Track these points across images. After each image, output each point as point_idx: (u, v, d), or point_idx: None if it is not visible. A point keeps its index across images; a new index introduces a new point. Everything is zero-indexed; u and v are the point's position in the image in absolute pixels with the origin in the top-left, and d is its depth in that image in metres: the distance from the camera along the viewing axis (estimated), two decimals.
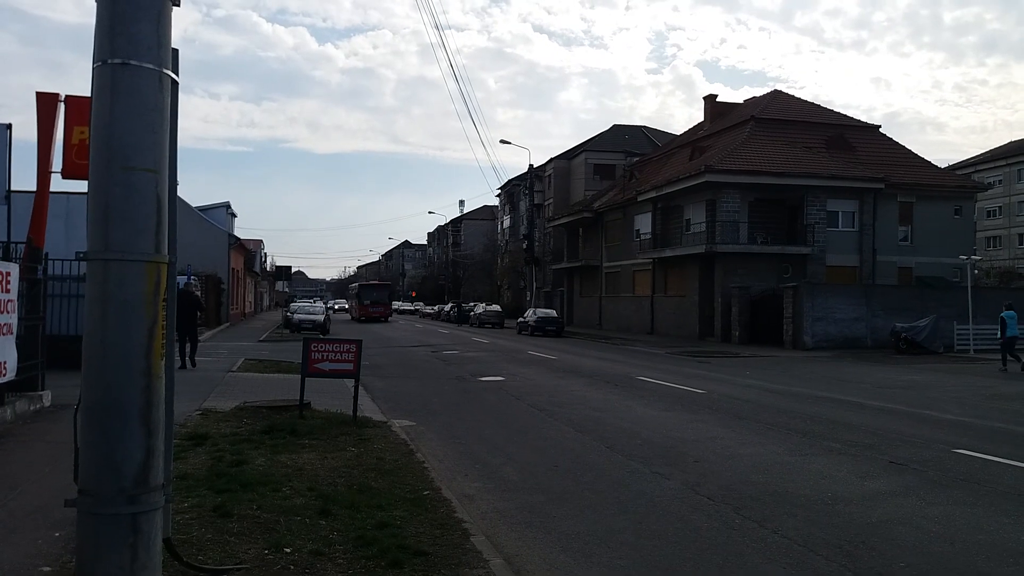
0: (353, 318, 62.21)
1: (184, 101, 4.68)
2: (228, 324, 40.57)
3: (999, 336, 21.64)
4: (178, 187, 4.71)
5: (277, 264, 76.44)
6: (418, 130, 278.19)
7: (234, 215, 50.88)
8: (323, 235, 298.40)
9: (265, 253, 79.40)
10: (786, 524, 6.25)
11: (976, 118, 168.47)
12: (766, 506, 6.80)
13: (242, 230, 59.17)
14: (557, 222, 56.08)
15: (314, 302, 53.72)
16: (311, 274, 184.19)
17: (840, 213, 35.91)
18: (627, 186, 46.71)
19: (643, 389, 16.01)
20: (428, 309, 77.19)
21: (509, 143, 57.19)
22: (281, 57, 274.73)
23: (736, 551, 5.65)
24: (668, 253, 37.86)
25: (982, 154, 73.00)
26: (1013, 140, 72.83)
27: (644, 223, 42.01)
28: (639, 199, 41.35)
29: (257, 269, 65.72)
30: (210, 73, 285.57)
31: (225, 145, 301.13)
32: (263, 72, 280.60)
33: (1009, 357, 20.99)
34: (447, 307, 66.04)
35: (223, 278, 40.35)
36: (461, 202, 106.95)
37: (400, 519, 5.79)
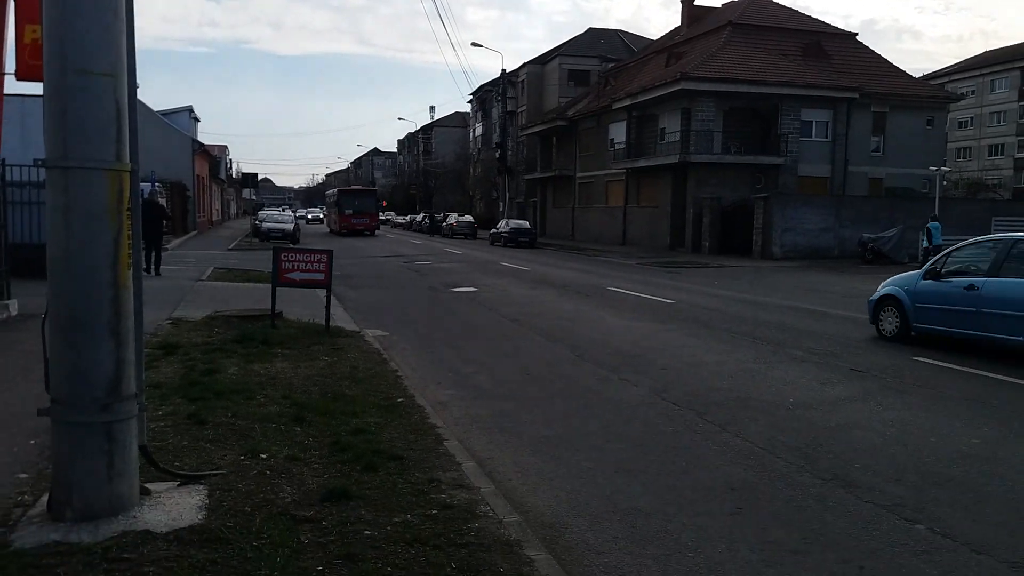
0: (332, 231, 52.82)
1: None
2: (195, 232, 39.99)
3: (925, 244, 23.52)
4: (138, 91, 4.54)
5: (243, 171, 74.14)
6: (386, 30, 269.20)
7: (197, 120, 49.38)
8: (289, 141, 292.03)
9: (230, 159, 77.74)
10: (748, 428, 6.48)
11: (953, 26, 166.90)
12: (729, 411, 7.03)
13: (206, 135, 57.15)
14: (530, 131, 55.26)
15: (283, 210, 53.01)
16: (278, 181, 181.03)
17: (814, 123, 35.79)
18: (602, 93, 45.93)
19: (613, 299, 16.21)
20: (400, 219, 76.43)
21: (481, 46, 55.86)
22: None
23: (699, 453, 5.86)
24: (642, 163, 37.66)
25: (957, 64, 72.66)
26: (988, 50, 72.49)
27: (619, 132, 41.56)
28: (614, 107, 40.77)
29: (223, 176, 64.39)
30: None
31: (186, 46, 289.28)
32: None
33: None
34: (419, 217, 65.25)
35: (188, 185, 39.50)
36: (432, 108, 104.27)
37: (374, 425, 5.90)
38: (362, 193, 54.63)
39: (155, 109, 40.66)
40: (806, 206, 30.61)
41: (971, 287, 9.73)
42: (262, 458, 5.05)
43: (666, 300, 15.78)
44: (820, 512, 4.75)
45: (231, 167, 77.30)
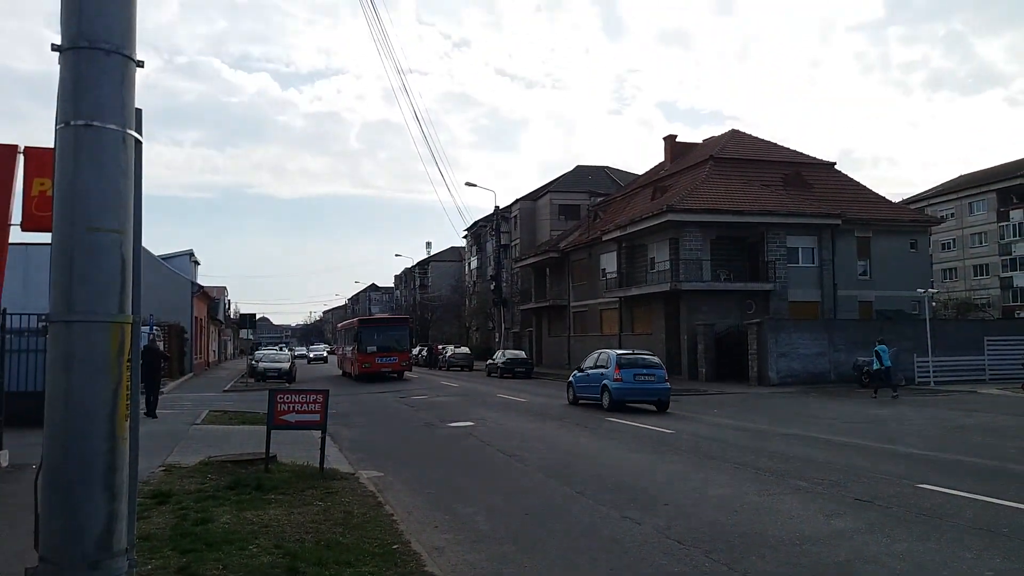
0: (347, 374, 40.63)
1: (146, 148, 4.69)
2: (192, 374, 39.86)
3: (877, 366, 24.31)
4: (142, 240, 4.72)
5: (241, 311, 74.60)
6: (383, 173, 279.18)
7: (197, 263, 50.37)
8: (288, 281, 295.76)
9: (229, 300, 78.56)
10: (755, 566, 6.30)
11: (928, 152, 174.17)
12: (736, 548, 6.85)
13: (205, 278, 57.57)
14: (524, 263, 56.41)
15: (280, 349, 53.06)
16: (276, 320, 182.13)
17: (800, 249, 36.66)
18: (592, 226, 47.26)
19: (613, 430, 16.04)
20: None
21: (475, 185, 57.41)
22: (244, 103, 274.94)
23: None
24: (634, 292, 38.24)
25: (934, 188, 75.39)
26: (964, 174, 75.40)
27: (609, 262, 42.45)
28: (604, 239, 41.83)
29: (221, 317, 64.90)
30: (172, 120, 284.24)
31: (188, 191, 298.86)
32: (226, 118, 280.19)
33: (883, 386, 23.79)
34: (415, 350, 65.08)
35: (186, 327, 39.75)
36: (428, 244, 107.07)
37: (369, 575, 5.73)
38: (391, 324, 40.38)
39: (156, 253, 41.57)
40: (799, 331, 30.84)
41: (585, 374, 21.84)
42: None
43: (666, 430, 15.63)
44: None
45: (229, 308, 78.05)
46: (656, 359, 21.50)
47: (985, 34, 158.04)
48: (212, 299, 55.78)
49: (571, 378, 22.83)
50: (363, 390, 30.16)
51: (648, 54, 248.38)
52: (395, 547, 6.54)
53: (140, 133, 4.48)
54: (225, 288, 72.54)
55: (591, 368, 21.55)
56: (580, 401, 21.93)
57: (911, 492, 9.14)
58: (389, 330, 38.27)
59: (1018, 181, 63.61)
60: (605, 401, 20.34)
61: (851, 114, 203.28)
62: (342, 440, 14.27)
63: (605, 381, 20.39)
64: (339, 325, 60.21)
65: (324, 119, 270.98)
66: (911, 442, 13.55)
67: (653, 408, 20.04)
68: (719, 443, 13.72)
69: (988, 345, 29.63)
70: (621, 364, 20.19)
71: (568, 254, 48.72)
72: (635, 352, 22.04)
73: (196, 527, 6.94)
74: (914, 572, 6.08)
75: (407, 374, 38.26)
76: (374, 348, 36.22)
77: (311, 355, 75.34)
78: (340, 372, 44.16)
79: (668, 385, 20.39)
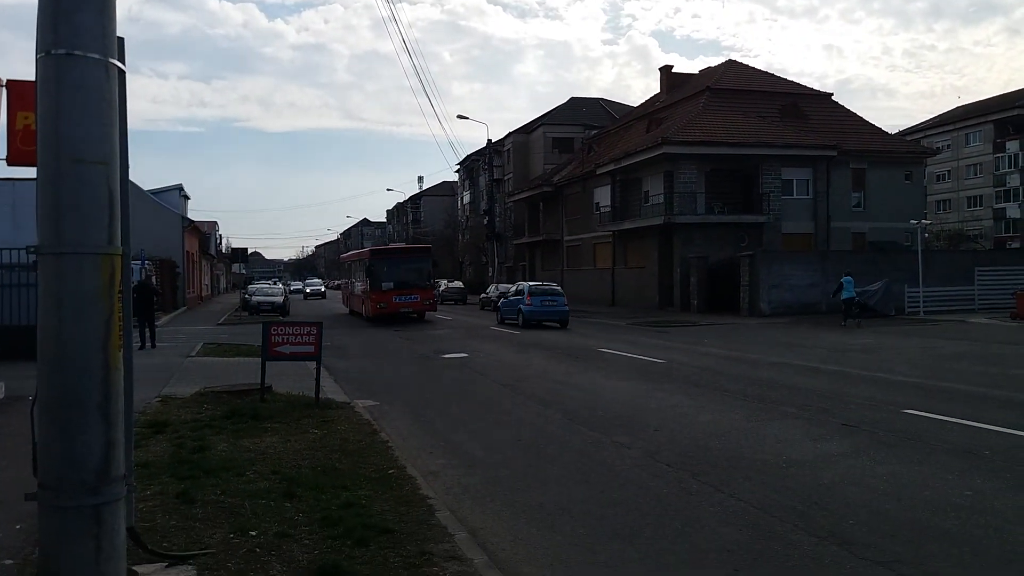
0: (355, 313, 35.25)
1: (131, 81, 4.59)
2: (185, 308, 39.94)
3: (833, 295, 25.73)
4: (129, 172, 4.66)
5: (233, 246, 74.13)
6: (374, 106, 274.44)
7: (187, 197, 49.86)
8: (279, 215, 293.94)
9: (220, 235, 78.12)
10: (742, 488, 6.46)
11: (925, 83, 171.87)
12: (723, 471, 7.01)
13: (196, 212, 56.91)
14: (517, 197, 56.06)
15: (273, 283, 53.11)
16: (268, 255, 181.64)
17: (795, 181, 36.48)
18: (586, 159, 46.82)
19: (605, 361, 16.23)
20: None
21: (467, 118, 56.19)
22: (230, 35, 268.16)
23: (694, 516, 5.83)
24: (628, 225, 38.15)
25: (931, 119, 74.62)
26: (960, 104, 74.64)
27: (603, 196, 42.22)
28: (598, 172, 41.50)
29: (213, 252, 64.66)
30: (157, 52, 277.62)
31: (176, 126, 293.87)
32: (212, 50, 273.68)
33: (850, 317, 24.70)
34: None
35: (178, 262, 39.64)
36: (420, 178, 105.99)
37: (365, 498, 5.86)
38: (410, 255, 33.66)
39: (145, 188, 41.10)
40: (791, 262, 30.94)
41: (508, 301, 28.17)
42: (252, 535, 5.00)
43: (657, 360, 15.81)
44: (817, 571, 4.73)
45: (221, 242, 77.69)
46: (559, 288, 28.58)
47: None
48: (203, 234, 55.46)
49: (499, 303, 30.04)
50: (362, 325, 30.32)
51: None
52: (391, 472, 6.68)
53: (123, 63, 4.38)
54: (216, 223, 72.02)
55: (513, 296, 28.47)
56: (505, 321, 28.03)
57: (896, 417, 9.33)
58: (408, 262, 31.52)
59: (1016, 112, 62.94)
60: (520, 320, 26.46)
61: (850, 44, 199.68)
62: (337, 372, 14.42)
63: (520, 306, 26.74)
64: (344, 256, 49.02)
65: (312, 51, 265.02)
66: (898, 370, 13.75)
67: (556, 326, 25.90)
68: (709, 372, 13.91)
69: (978, 275, 29.81)
70: (532, 292, 27.01)
71: (562, 188, 48.40)
72: (543, 284, 29.82)
73: (193, 455, 7.06)
74: (897, 492, 6.25)
75: (430, 314, 31.95)
76: (391, 285, 29.92)
77: (307, 290, 70.48)
78: (347, 311, 37.72)
79: (567, 308, 26.75)
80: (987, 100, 70.15)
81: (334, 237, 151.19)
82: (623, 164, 38.48)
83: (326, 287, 76.54)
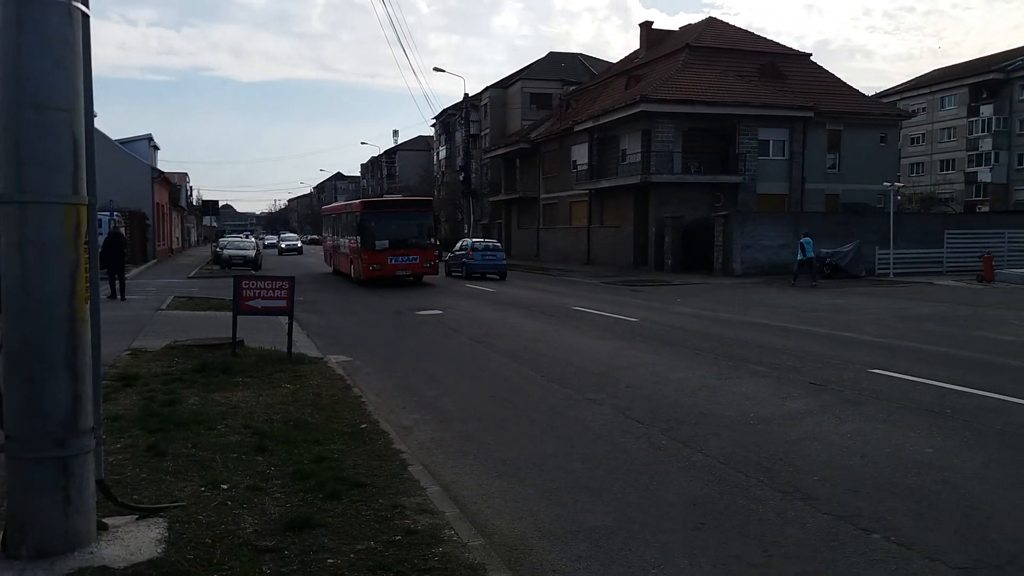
0: (340, 273, 31.36)
1: (98, 27, 4.39)
2: (155, 261, 39.42)
3: (800, 257, 25.82)
4: (95, 120, 4.53)
5: (204, 198, 72.67)
6: (348, 56, 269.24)
7: (157, 148, 48.86)
8: (252, 167, 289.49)
9: (191, 187, 76.84)
10: (710, 444, 6.58)
11: (903, 45, 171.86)
12: (692, 427, 7.13)
13: (166, 163, 56.06)
14: (494, 153, 55.58)
15: (246, 237, 52.48)
16: (240, 208, 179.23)
17: (771, 142, 36.54)
18: (564, 116, 46.43)
19: (579, 319, 16.33)
20: None
21: (443, 71, 55.36)
22: None
23: (662, 470, 5.94)
24: (604, 184, 38.06)
25: (907, 82, 74.80)
26: (937, 68, 74.80)
27: (581, 154, 41.99)
28: (576, 129, 41.21)
29: (183, 204, 63.64)
30: None
31: (145, 74, 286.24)
32: None
33: (800, 276, 25.48)
34: None
35: (148, 213, 38.99)
36: (395, 132, 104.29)
37: (338, 452, 5.89)
38: (407, 209, 28.40)
39: (113, 138, 40.19)
40: (765, 223, 31.16)
41: (454, 255, 32.44)
42: (223, 489, 5.01)
43: (630, 319, 15.94)
44: (780, 525, 4.84)
45: (192, 195, 76.43)
46: (498, 244, 33.31)
47: None
48: (173, 185, 54.52)
49: (446, 258, 32.49)
50: (348, 286, 30.13)
51: None
52: (363, 427, 6.70)
53: (87, 6, 4.23)
54: (187, 174, 70.82)
55: (458, 251, 32.30)
56: (452, 273, 31.80)
57: (863, 376, 9.52)
58: (406, 217, 26.92)
59: (991, 76, 63.25)
60: (464, 272, 30.55)
61: (830, 4, 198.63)
62: (310, 327, 14.36)
63: (464, 259, 30.98)
64: (327, 209, 41.24)
65: None
66: (867, 330, 13.99)
67: (496, 277, 29.75)
68: (681, 331, 14.05)
69: (948, 238, 30.26)
70: (474, 248, 31.17)
71: (539, 145, 48.03)
72: (484, 240, 34.44)
73: (164, 408, 7.03)
74: (859, 448, 6.41)
75: (429, 278, 27.84)
76: (385, 244, 25.68)
77: (283, 245, 64.97)
78: (331, 270, 33.44)
79: (505, 262, 31.24)
80: (963, 64, 70.37)
81: (307, 191, 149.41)
82: (601, 121, 38.24)
83: (302, 242, 73.05)
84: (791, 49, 42.44)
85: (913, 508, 5.10)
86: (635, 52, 47.38)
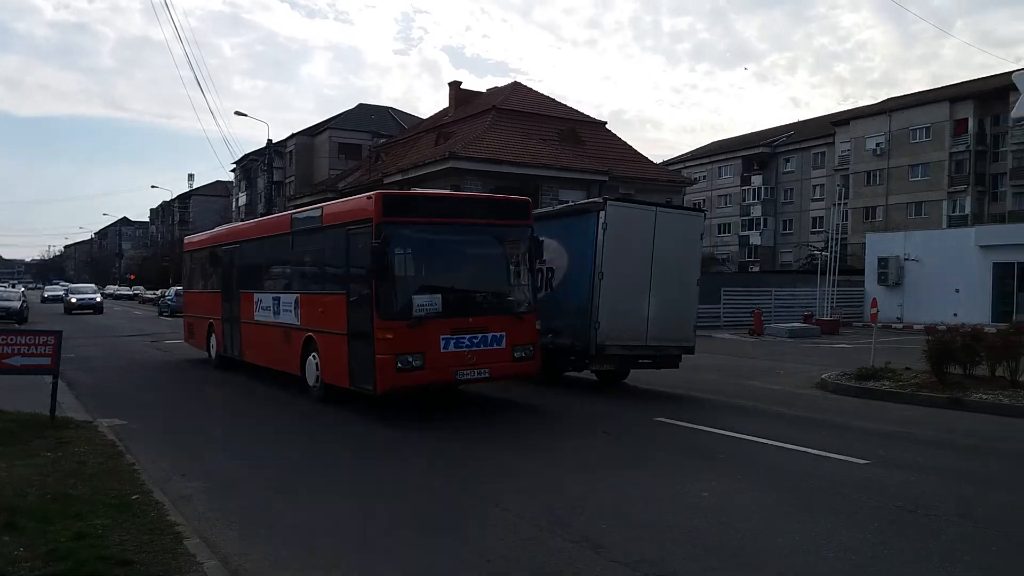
0: (255, 365, 14.51)
1: None
2: None
3: None
4: None
5: None
6: (141, 95, 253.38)
7: None
8: (23, 209, 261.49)
9: None
10: (505, 496, 6.61)
11: (688, 118, 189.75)
12: (494, 482, 7.11)
13: None
14: (299, 201, 54.12)
15: (12, 286, 46.97)
16: (8, 254, 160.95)
17: (571, 202, 38.51)
18: (373, 167, 46.36)
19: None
20: (150, 294, 69.66)
21: (245, 115, 53.65)
22: None
23: (458, 525, 5.86)
24: None
25: (691, 151, 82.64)
26: (716, 140, 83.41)
27: None
28: (385, 181, 41.17)
29: None
30: None
31: None
32: None
33: None
34: (170, 293, 44.00)
35: None
36: (191, 176, 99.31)
37: (102, 527, 5.29)
38: (486, 213, 11.29)
39: None
40: None
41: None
42: None
43: None
44: (574, 573, 4.93)
45: None
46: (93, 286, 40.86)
47: (743, 12, 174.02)
48: None
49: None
50: (107, 333, 27.59)
51: None
52: (135, 498, 6.09)
53: None
54: None
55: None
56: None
57: (650, 425, 10.07)
58: (477, 236, 11.20)
59: (760, 149, 71.30)
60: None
61: (624, 77, 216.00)
62: (81, 386, 12.98)
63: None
64: (212, 237, 18.70)
65: (72, 30, 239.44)
66: (649, 380, 14.82)
67: None
68: None
69: (724, 295, 33.27)
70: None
71: (347, 195, 47.44)
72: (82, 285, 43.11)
73: None
74: (647, 495, 6.71)
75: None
76: (435, 302, 10.10)
77: (72, 299, 45.43)
78: (206, 354, 17.31)
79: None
80: (737, 137, 79.02)
81: (87, 236, 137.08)
82: (411, 175, 38.54)
83: (102, 296, 51.06)
84: (589, 117, 45.44)
85: (691, 550, 5.39)
86: (444, 110, 48.53)
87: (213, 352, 16.60)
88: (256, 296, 14.12)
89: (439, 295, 10.01)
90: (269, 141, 51.71)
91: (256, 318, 14.03)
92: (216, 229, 20.23)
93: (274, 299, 13.29)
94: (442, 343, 9.93)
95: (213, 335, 16.53)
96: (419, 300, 9.90)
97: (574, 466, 7.82)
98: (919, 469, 7.69)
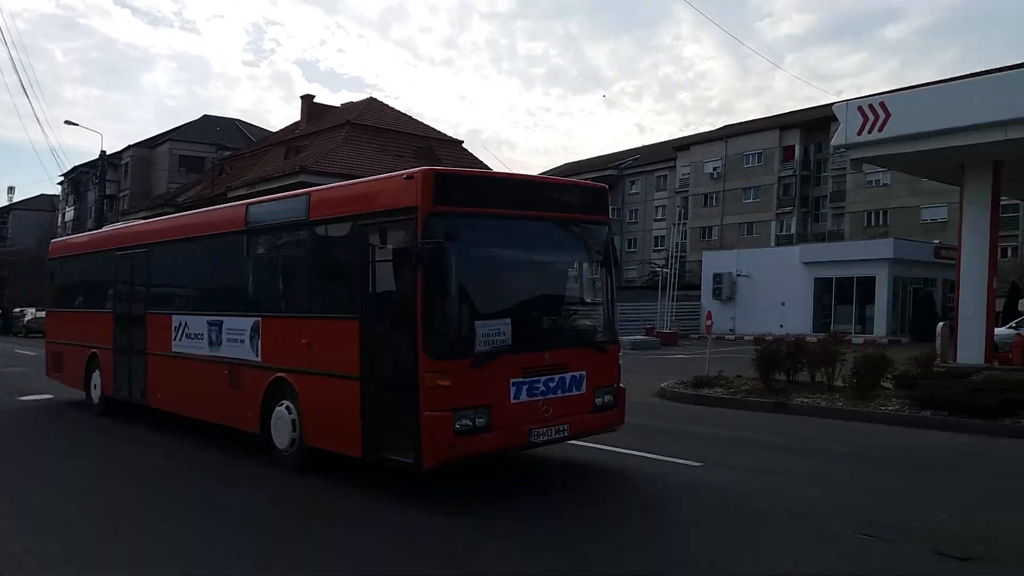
0: (142, 406, 11.38)
1: None
2: None
3: None
4: None
5: None
6: None
7: None
8: None
9: None
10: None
11: (541, 140, 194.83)
12: None
13: None
14: (134, 216, 50.87)
15: None
16: None
17: None
18: (217, 181, 44.33)
19: None
20: None
21: (76, 124, 49.60)
22: None
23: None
24: None
25: (543, 173, 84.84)
26: (568, 162, 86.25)
27: None
28: (229, 195, 39.30)
29: None
30: None
31: None
32: None
33: None
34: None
35: None
36: (11, 189, 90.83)
37: None
38: (554, 204, 7.87)
39: None
40: None
41: None
42: None
43: None
44: None
45: None
46: None
47: (594, 39, 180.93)
48: None
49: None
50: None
51: (289, 9, 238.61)
52: None
53: None
54: None
55: None
56: None
57: None
58: (546, 238, 7.87)
59: (608, 171, 74.32)
60: None
61: (481, 97, 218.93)
62: None
63: None
64: (68, 244, 16.88)
65: None
66: None
67: None
68: None
69: None
70: None
71: (186, 210, 45.09)
72: None
73: None
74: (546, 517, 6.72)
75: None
76: (503, 329, 6.97)
77: None
78: (84, 394, 13.03)
79: None
80: (588, 160, 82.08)
81: None
82: (257, 189, 37.06)
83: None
84: (445, 135, 45.69)
85: None
86: (296, 123, 47.26)
87: (96, 394, 12.48)
88: (178, 319, 10.21)
89: (507, 320, 6.95)
90: (102, 152, 48.28)
91: (176, 349, 10.17)
92: (105, 229, 16.40)
93: (211, 324, 9.44)
94: (512, 390, 6.91)
95: (98, 371, 12.37)
96: (483, 329, 6.81)
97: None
98: (748, 469, 8.19)
